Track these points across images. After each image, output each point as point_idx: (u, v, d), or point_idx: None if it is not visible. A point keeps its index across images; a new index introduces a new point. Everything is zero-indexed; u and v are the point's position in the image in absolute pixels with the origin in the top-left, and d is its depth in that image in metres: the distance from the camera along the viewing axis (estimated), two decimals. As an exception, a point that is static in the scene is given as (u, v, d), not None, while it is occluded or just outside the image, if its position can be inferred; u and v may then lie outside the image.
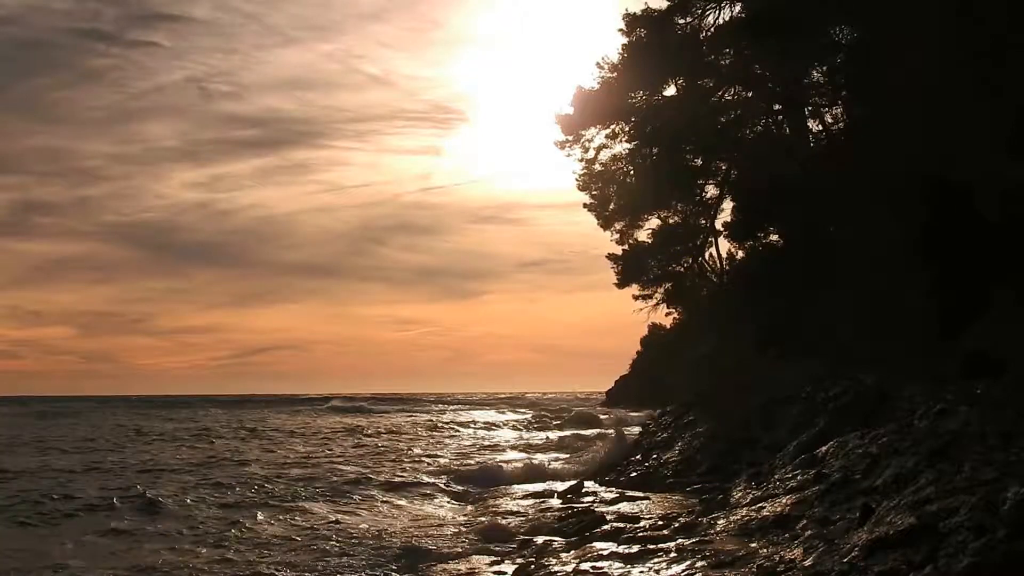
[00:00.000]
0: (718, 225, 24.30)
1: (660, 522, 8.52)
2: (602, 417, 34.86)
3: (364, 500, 12.86)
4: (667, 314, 30.18)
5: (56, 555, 8.99)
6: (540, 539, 8.88)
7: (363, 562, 8.50)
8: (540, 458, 18.30)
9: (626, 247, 25.13)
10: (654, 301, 26.04)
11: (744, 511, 7.45)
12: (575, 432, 26.39)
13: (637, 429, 19.35)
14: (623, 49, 22.43)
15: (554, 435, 26.44)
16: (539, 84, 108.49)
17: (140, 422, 36.97)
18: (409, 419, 39.67)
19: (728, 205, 23.53)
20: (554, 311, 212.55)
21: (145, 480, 14.89)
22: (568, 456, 18.40)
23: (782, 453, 9.81)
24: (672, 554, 6.62)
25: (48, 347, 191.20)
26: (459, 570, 7.93)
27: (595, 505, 10.90)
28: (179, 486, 13.92)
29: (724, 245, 24.76)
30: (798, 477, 7.79)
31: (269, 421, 38.50)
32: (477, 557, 8.42)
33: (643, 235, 25.21)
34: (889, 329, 12.59)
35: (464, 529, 10.18)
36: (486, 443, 24.48)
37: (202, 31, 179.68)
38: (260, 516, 11.18)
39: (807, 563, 5.28)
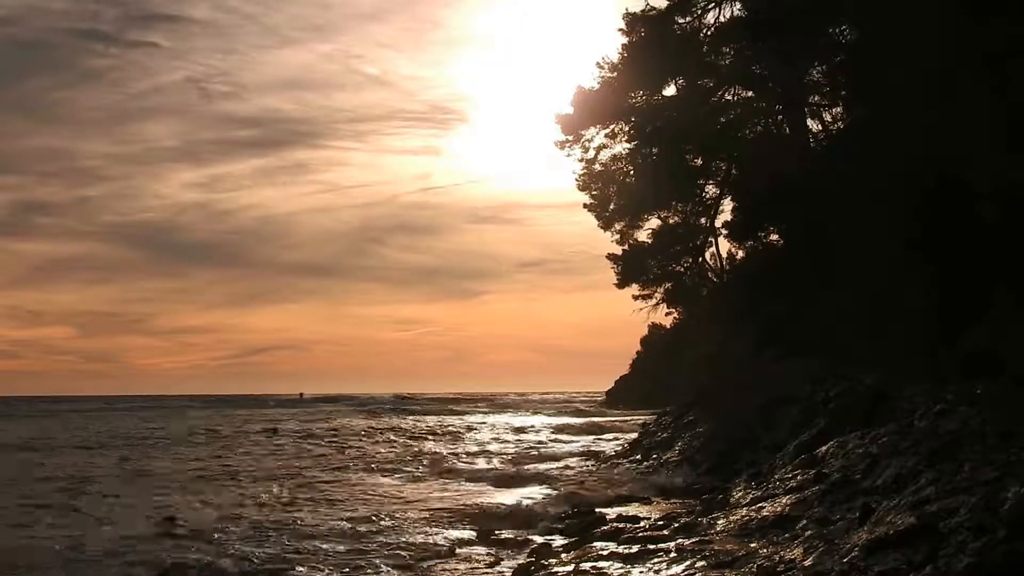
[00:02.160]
0: (718, 225, 24.32)
1: (660, 522, 8.51)
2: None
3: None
4: (667, 314, 30.26)
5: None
6: (540, 539, 8.88)
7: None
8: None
9: (626, 247, 25.14)
10: (654, 301, 26.06)
11: (744, 511, 7.44)
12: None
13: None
14: (623, 49, 22.44)
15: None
16: (539, 84, 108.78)
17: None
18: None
19: (728, 205, 23.55)
20: (554, 311, 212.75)
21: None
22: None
23: (782, 453, 9.81)
24: (672, 554, 6.62)
25: (48, 347, 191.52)
26: (458, 569, 7.92)
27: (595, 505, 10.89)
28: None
29: (724, 245, 24.78)
30: (798, 477, 7.80)
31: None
32: (477, 556, 8.41)
33: (643, 235, 25.24)
34: (889, 329, 12.59)
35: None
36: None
37: (201, 31, 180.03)
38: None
39: (807, 563, 5.28)
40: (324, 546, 8.89)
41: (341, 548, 8.81)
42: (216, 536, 9.40)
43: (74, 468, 16.92)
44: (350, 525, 10.02)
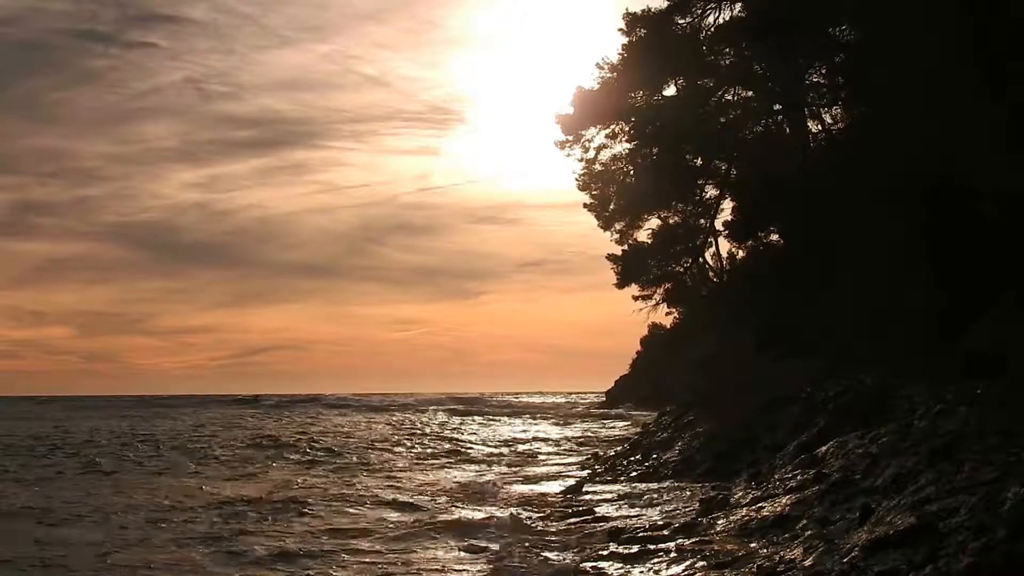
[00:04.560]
0: (718, 225, 24.33)
1: (660, 522, 8.51)
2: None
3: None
4: (667, 314, 30.28)
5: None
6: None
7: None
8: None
9: (626, 247, 25.16)
10: (654, 301, 26.08)
11: (744, 511, 7.44)
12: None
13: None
14: (623, 49, 22.46)
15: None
16: (538, 84, 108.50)
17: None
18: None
19: (728, 205, 23.57)
20: (553, 311, 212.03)
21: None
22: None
23: (782, 453, 9.81)
24: (672, 554, 6.62)
25: (48, 347, 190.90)
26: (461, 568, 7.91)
27: (595, 504, 10.88)
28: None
29: (724, 245, 24.80)
30: (798, 477, 7.79)
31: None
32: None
33: (643, 235, 25.27)
34: (889, 329, 12.58)
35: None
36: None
37: (200, 32, 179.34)
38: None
39: (807, 563, 5.28)
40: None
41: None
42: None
43: None
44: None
